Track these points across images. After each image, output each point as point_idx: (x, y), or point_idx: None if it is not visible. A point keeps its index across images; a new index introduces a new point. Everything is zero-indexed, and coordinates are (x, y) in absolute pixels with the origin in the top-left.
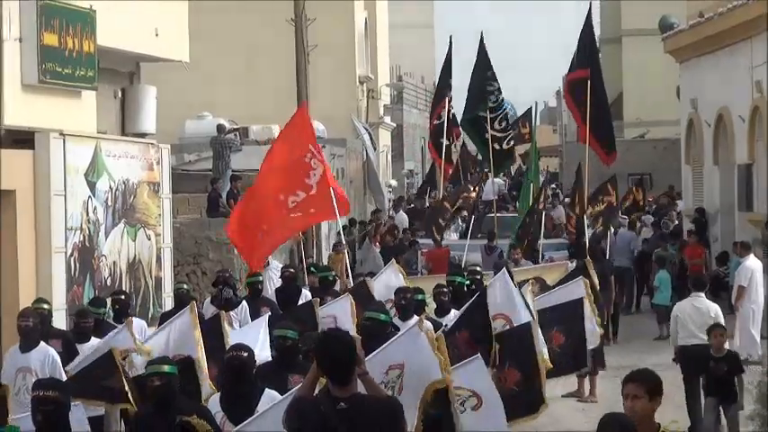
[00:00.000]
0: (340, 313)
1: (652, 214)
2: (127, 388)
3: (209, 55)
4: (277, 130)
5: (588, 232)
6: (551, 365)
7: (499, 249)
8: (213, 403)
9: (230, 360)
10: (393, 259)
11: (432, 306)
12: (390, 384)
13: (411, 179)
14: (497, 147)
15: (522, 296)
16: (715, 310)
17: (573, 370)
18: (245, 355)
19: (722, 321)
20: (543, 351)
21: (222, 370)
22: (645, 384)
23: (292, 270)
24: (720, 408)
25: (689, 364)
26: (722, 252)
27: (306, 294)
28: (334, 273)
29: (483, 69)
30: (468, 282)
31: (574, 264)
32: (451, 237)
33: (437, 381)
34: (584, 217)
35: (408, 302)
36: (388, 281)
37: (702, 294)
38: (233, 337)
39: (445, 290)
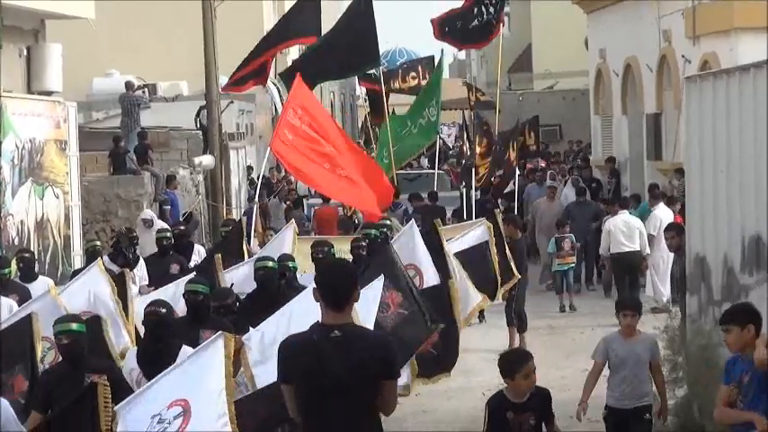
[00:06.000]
0: (240, 280)
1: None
2: (39, 355)
3: (115, 12)
4: (185, 87)
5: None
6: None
7: (403, 206)
8: (130, 357)
9: (148, 315)
10: (293, 220)
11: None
12: None
13: None
14: None
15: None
16: (639, 223)
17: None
18: (163, 311)
19: (645, 234)
20: (467, 307)
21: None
22: None
23: (182, 227)
24: None
25: (619, 267)
26: (634, 194)
27: (198, 249)
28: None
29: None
30: (379, 234)
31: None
32: None
33: None
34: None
35: (326, 256)
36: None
37: (626, 211)
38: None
39: (362, 243)
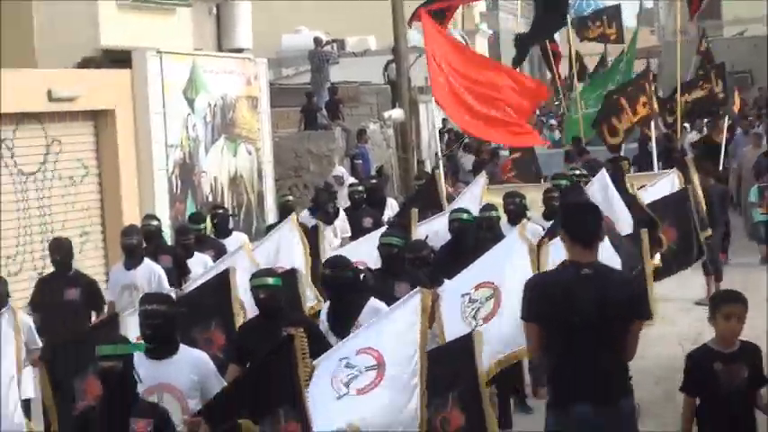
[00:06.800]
0: (435, 233)
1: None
2: (236, 310)
3: None
4: (373, 42)
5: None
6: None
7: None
8: (323, 311)
9: (323, 278)
10: (484, 172)
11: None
12: (476, 305)
13: None
14: None
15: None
16: None
17: (688, 265)
18: (327, 272)
19: None
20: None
21: None
22: None
23: (375, 181)
24: None
25: None
26: None
27: (391, 203)
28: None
29: None
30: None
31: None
32: None
33: None
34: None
35: (518, 207)
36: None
37: None
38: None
39: (554, 194)
